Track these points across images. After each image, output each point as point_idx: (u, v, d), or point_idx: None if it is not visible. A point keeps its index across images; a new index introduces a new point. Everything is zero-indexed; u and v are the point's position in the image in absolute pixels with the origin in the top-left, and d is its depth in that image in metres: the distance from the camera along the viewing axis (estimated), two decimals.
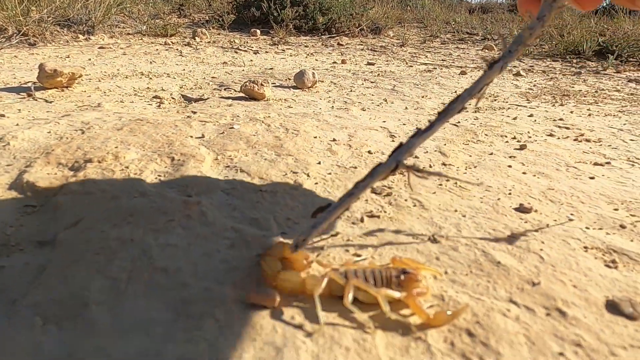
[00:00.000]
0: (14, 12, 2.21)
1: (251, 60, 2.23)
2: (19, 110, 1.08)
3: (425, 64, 2.40)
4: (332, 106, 1.28)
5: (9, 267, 0.46)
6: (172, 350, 0.34)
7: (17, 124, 0.94)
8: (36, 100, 1.19)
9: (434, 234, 0.54)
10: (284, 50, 2.66)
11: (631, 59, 2.52)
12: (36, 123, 0.94)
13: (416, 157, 0.83)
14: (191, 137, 0.85)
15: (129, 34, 2.74)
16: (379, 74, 1.97)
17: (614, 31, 2.96)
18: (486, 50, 3.06)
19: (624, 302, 0.42)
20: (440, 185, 0.70)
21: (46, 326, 0.37)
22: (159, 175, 0.67)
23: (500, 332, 0.38)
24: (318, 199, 0.63)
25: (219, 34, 3.11)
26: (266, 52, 2.58)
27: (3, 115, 1.01)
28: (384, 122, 1.11)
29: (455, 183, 0.72)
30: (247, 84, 1.30)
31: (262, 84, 1.30)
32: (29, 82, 1.37)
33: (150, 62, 1.99)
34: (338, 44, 3.07)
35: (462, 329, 0.38)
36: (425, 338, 0.37)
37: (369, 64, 2.32)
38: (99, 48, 2.27)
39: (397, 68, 2.22)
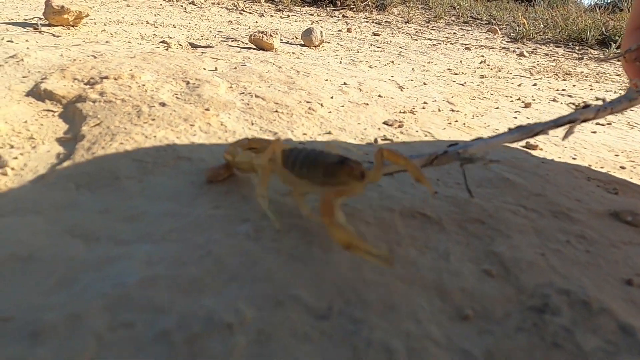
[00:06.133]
0: None
1: (256, 22, 2.21)
2: (27, 40, 1.07)
3: (430, 39, 2.40)
4: (340, 62, 1.28)
5: (35, 154, 0.47)
6: (200, 212, 0.36)
7: (28, 48, 0.93)
8: (42, 33, 1.18)
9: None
10: (288, 16, 2.63)
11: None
12: (47, 48, 0.94)
13: (425, 102, 0.85)
14: (204, 69, 0.86)
15: None
16: (384, 42, 1.97)
17: (618, 23, 2.97)
18: (490, 33, 3.06)
19: (624, 212, 0.44)
20: (449, 123, 0.72)
21: (80, 190, 0.38)
22: (176, 94, 0.68)
23: (510, 224, 0.40)
24: (334, 122, 0.64)
25: None
26: (271, 16, 2.55)
27: (11, 41, 1.00)
28: (392, 76, 1.12)
29: (464, 124, 0.74)
30: (256, 34, 1.30)
31: (271, 35, 1.30)
32: (34, 17, 1.35)
33: (155, 15, 1.96)
34: (343, 16, 3.04)
35: (473, 219, 0.40)
36: (440, 222, 0.39)
37: (374, 34, 2.31)
38: None
39: (403, 40, 2.22)
